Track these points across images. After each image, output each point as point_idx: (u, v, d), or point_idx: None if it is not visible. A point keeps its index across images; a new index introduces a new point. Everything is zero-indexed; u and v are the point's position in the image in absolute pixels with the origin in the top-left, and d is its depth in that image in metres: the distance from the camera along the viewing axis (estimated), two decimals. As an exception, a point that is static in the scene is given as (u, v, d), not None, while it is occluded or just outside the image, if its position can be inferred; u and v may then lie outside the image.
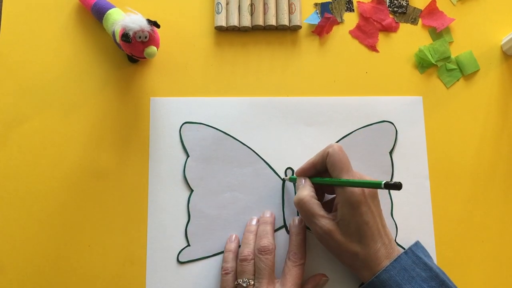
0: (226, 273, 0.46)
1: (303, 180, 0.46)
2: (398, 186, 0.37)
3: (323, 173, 0.46)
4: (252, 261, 0.45)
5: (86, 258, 0.48)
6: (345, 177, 0.43)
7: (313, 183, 0.46)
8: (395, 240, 0.49)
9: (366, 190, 0.43)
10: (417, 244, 0.45)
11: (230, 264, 0.46)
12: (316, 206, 0.44)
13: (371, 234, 0.42)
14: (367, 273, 0.43)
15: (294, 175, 0.48)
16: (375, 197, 0.44)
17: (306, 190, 0.45)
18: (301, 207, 0.44)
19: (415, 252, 0.43)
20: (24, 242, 0.48)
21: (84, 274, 0.48)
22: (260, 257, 0.45)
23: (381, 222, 0.44)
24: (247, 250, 0.46)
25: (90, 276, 0.48)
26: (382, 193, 0.50)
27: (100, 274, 0.48)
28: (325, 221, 0.43)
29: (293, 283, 0.44)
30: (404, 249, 0.48)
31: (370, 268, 0.43)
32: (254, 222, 0.48)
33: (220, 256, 0.48)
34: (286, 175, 0.50)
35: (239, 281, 0.44)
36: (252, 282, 0.44)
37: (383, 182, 0.38)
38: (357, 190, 0.42)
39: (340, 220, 0.43)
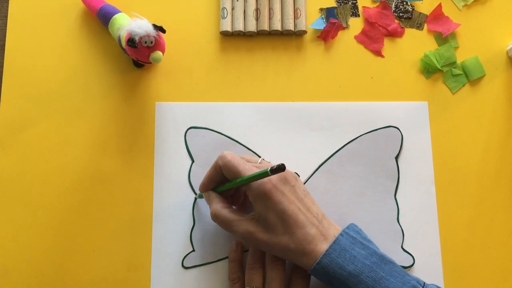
0: (234, 283, 0.46)
1: (208, 194, 0.46)
2: (282, 168, 0.37)
3: (225, 182, 0.45)
4: (260, 269, 0.45)
5: (91, 263, 0.48)
6: (242, 176, 0.42)
7: (219, 192, 0.45)
8: (401, 246, 0.49)
9: (273, 178, 0.41)
10: (349, 226, 0.43)
11: (236, 275, 0.46)
12: (229, 214, 0.43)
13: (294, 220, 0.41)
14: (307, 260, 0.41)
15: (200, 190, 0.47)
16: (286, 182, 0.42)
17: (214, 203, 0.44)
18: (217, 221, 0.44)
19: (349, 233, 0.42)
20: (28, 247, 0.48)
21: (89, 279, 0.48)
22: (272, 266, 0.44)
23: (303, 205, 0.42)
24: (254, 259, 0.45)
25: (94, 281, 0.48)
26: (388, 199, 0.50)
27: (104, 279, 0.48)
28: (243, 225, 0.42)
29: None
30: (409, 253, 0.48)
31: (307, 254, 0.41)
32: None
33: (225, 261, 0.48)
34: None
35: None
36: None
37: (268, 169, 0.38)
38: (262, 181, 0.41)
39: (258, 217, 0.42)
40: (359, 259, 0.40)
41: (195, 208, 0.49)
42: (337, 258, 0.40)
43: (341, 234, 0.42)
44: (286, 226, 0.41)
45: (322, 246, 0.41)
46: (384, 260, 0.41)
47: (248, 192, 0.42)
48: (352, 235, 0.42)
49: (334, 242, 0.41)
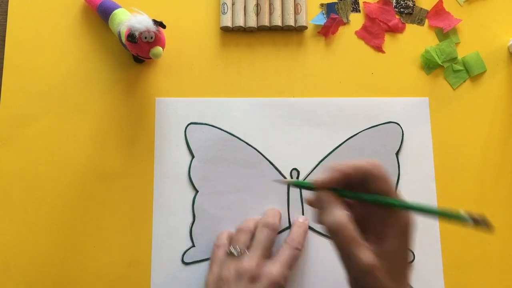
0: (218, 246, 0.45)
1: (325, 195, 0.35)
2: (488, 225, 0.31)
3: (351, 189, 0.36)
4: (250, 234, 0.45)
5: (91, 258, 0.48)
6: (394, 197, 0.34)
7: (350, 198, 0.35)
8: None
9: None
10: None
11: (223, 242, 0.46)
12: (354, 233, 0.33)
13: (408, 268, 0.35)
14: None
15: (314, 185, 0.35)
16: None
17: (336, 210, 0.34)
18: (338, 233, 0.33)
19: None
20: (29, 243, 0.48)
21: (89, 274, 0.48)
22: (262, 230, 0.44)
23: None
24: (247, 225, 0.46)
25: (95, 276, 0.48)
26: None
27: (105, 275, 0.48)
28: (368, 254, 0.33)
29: (285, 262, 0.43)
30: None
31: None
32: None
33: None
34: (292, 177, 0.50)
35: (231, 249, 0.43)
36: (245, 252, 0.43)
37: (468, 218, 0.31)
38: (412, 217, 0.34)
39: (387, 253, 0.33)
40: None
41: (195, 203, 0.49)
42: None
43: None
44: (406, 274, 0.34)
45: None
46: None
47: (394, 221, 0.34)
48: None
49: None
